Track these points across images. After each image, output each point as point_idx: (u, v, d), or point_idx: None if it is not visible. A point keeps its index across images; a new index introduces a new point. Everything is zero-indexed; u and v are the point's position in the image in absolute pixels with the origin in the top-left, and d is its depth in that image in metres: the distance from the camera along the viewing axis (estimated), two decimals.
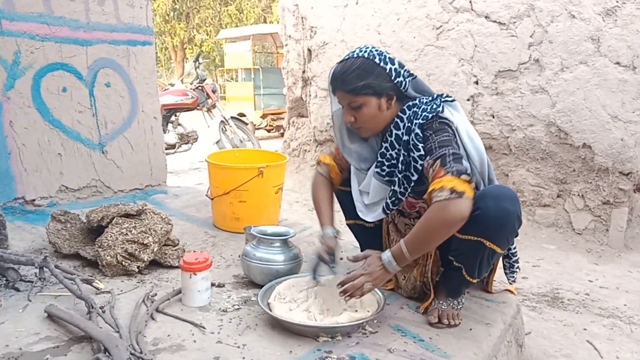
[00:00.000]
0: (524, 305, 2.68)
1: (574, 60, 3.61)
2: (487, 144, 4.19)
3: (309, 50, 5.51)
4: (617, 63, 3.44)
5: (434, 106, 1.60)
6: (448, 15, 4.23)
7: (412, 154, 1.61)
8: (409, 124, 1.63)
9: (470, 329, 1.64)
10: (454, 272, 1.66)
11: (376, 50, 1.65)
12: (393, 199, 1.72)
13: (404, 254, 1.51)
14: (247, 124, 8.38)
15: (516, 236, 1.63)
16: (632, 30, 3.36)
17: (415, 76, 1.70)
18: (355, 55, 1.65)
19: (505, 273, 1.91)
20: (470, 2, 4.08)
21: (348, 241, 2.46)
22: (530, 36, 3.79)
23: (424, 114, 1.59)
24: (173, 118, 7.15)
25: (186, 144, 7.10)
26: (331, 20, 5.16)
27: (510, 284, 1.95)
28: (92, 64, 3.13)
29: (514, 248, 1.85)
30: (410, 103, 1.67)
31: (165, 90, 7.36)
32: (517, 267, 1.89)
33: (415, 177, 1.63)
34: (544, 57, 3.75)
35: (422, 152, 1.57)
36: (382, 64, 1.62)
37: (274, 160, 2.79)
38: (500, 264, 1.89)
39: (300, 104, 5.93)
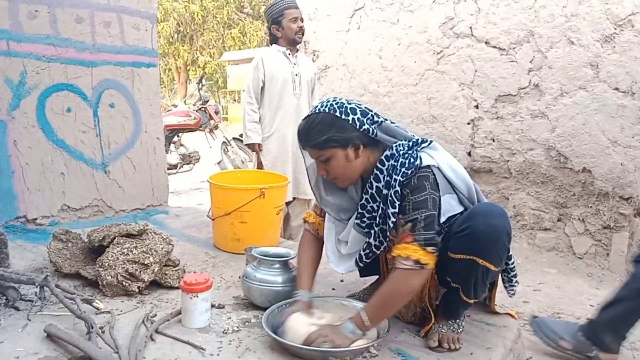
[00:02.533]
0: (525, 330, 2.66)
1: (574, 85, 3.65)
2: (488, 167, 4.21)
3: None
4: (616, 89, 3.48)
5: (412, 160, 1.59)
6: (449, 41, 4.29)
7: (388, 210, 1.62)
8: (389, 178, 1.63)
9: (471, 353, 1.63)
10: (452, 292, 1.67)
11: (337, 103, 1.65)
12: (367, 251, 1.73)
13: (364, 321, 1.54)
14: None
15: (508, 252, 1.64)
16: (630, 56, 3.41)
17: (382, 121, 1.68)
18: (317, 111, 1.67)
19: (505, 287, 1.91)
20: (471, 27, 4.15)
21: None
22: (530, 61, 3.84)
23: (402, 169, 1.59)
24: (176, 138, 7.20)
25: (188, 164, 7.14)
26: (333, 44, 5.23)
27: (510, 297, 1.95)
28: (97, 84, 3.16)
29: (512, 263, 1.84)
30: (388, 153, 1.66)
31: (169, 111, 7.42)
32: (516, 282, 1.89)
33: (389, 233, 1.66)
34: (544, 82, 3.79)
35: (397, 210, 1.59)
36: (343, 116, 1.62)
37: (276, 182, 2.80)
38: (499, 279, 1.89)
39: None
